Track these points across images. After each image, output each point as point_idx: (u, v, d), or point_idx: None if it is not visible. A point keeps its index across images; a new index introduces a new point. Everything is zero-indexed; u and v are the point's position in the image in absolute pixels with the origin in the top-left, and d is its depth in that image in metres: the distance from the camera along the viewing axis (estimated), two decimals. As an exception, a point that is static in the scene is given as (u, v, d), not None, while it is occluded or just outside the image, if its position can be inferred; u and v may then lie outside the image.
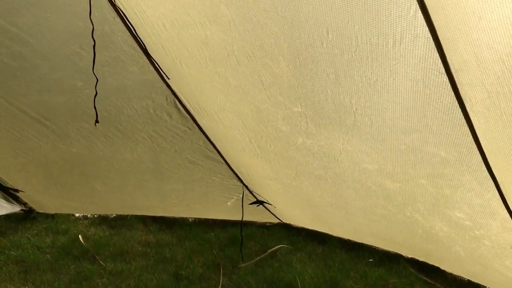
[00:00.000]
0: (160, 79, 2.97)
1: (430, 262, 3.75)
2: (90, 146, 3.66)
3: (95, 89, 2.71)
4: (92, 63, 2.60)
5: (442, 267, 3.68)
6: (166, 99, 3.13)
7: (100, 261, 4.02)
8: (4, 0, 2.65)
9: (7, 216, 4.72)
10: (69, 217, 4.81)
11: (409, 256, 3.90)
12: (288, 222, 4.57)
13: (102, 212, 4.82)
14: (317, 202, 3.61)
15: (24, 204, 4.73)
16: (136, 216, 4.77)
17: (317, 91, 2.37)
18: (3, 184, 4.37)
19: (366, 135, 2.53)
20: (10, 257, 4.06)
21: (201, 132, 3.38)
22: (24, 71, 3.09)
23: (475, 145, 2.17)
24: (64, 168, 4.04)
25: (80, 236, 4.39)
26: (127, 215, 4.79)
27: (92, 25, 2.47)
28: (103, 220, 4.78)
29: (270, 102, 2.61)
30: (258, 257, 4.10)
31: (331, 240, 4.28)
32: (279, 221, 4.57)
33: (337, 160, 2.86)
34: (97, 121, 2.79)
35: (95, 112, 2.77)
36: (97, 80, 2.67)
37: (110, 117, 3.31)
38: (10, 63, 3.01)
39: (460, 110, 2.03)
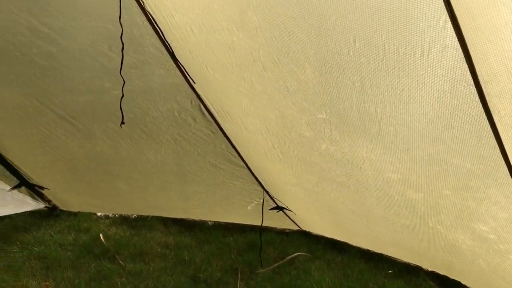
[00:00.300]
0: (185, 82, 3.00)
1: (451, 276, 3.68)
2: (115, 146, 3.71)
3: (122, 91, 2.76)
4: (120, 65, 2.65)
5: (464, 282, 3.60)
6: (191, 102, 3.15)
7: (120, 261, 4.07)
8: (37, 2, 2.73)
9: (32, 213, 4.81)
10: (91, 216, 4.88)
11: (430, 269, 3.84)
12: (307, 230, 4.55)
13: (125, 211, 4.87)
14: (338, 208, 3.59)
15: (48, 201, 4.82)
16: (157, 218, 4.80)
17: (342, 99, 2.37)
18: (29, 181, 4.47)
19: (391, 145, 2.51)
20: (33, 252, 4.14)
21: (224, 136, 3.40)
22: (54, 71, 3.16)
23: (502, 158, 2.14)
24: (89, 166, 4.10)
25: (101, 235, 4.45)
26: (148, 216, 4.83)
27: (122, 28, 2.52)
28: (124, 220, 4.83)
29: (294, 108, 2.62)
30: (276, 264, 4.09)
31: (350, 249, 4.24)
32: (298, 228, 4.56)
33: (360, 168, 2.85)
34: (122, 123, 2.84)
35: (121, 114, 2.81)
36: (124, 82, 2.72)
37: (136, 118, 3.36)
38: (41, 62, 3.08)
39: (487, 122, 2.00)
